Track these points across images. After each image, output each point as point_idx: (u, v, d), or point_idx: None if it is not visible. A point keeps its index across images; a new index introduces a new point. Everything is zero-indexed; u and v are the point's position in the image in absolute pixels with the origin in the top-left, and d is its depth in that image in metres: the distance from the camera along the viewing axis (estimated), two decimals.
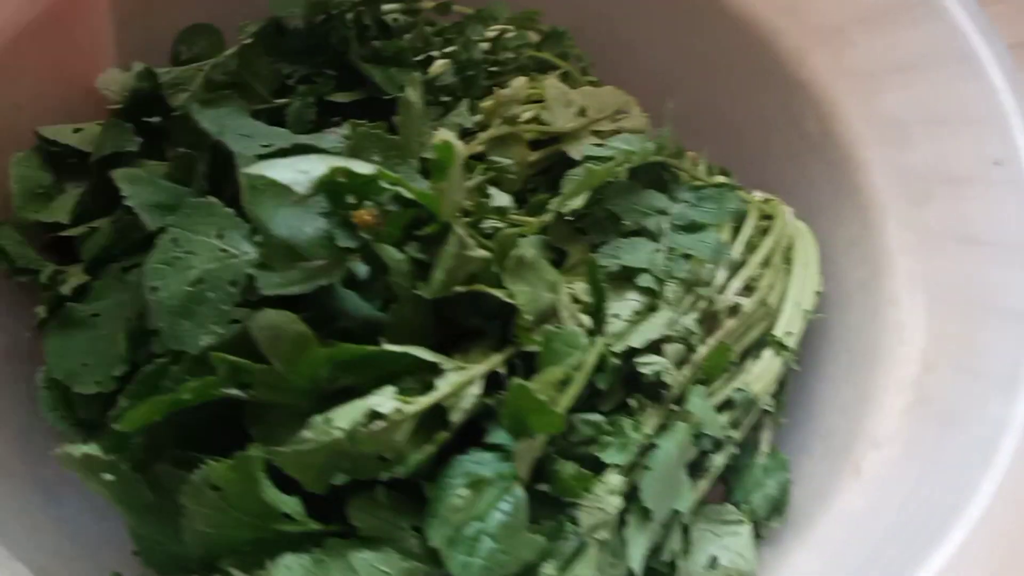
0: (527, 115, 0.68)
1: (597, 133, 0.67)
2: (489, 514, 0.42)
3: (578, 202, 0.57)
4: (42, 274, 0.65)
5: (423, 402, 0.42)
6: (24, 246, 0.66)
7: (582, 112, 0.68)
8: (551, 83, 0.69)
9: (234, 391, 0.42)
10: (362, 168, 0.40)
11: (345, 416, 0.40)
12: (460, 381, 0.44)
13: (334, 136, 0.56)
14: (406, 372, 0.44)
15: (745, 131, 0.75)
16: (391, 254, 0.43)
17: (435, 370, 0.44)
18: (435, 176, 0.43)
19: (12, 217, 0.65)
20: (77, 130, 0.68)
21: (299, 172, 0.37)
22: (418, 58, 0.69)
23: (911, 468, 0.57)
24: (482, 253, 0.46)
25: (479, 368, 0.45)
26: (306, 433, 0.40)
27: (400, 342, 0.44)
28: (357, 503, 0.44)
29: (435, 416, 0.44)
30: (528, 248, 0.50)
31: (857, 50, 0.68)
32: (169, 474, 0.45)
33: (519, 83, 0.68)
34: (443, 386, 0.44)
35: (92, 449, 0.44)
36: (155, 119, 0.67)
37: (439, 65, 0.70)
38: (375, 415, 0.40)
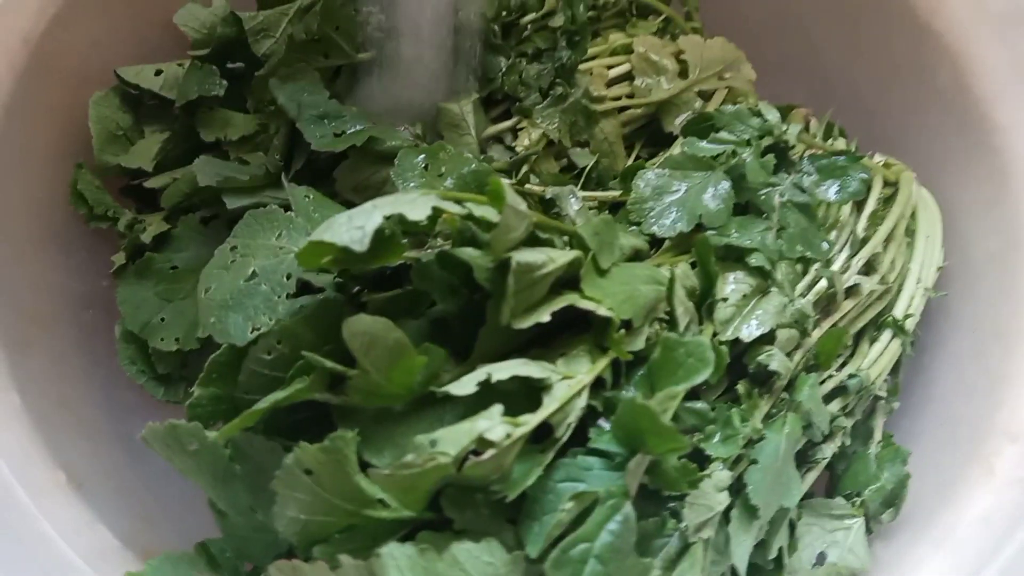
0: (619, 69, 0.64)
1: (701, 94, 0.62)
2: (597, 535, 0.39)
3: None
4: (120, 221, 0.63)
5: (532, 422, 0.39)
6: (102, 192, 0.64)
7: (683, 70, 0.62)
8: (642, 41, 0.63)
9: (327, 396, 0.40)
10: (415, 214, 0.37)
11: (452, 441, 0.37)
12: (567, 395, 0.41)
13: (405, 132, 0.58)
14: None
15: (863, 84, 0.69)
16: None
17: (541, 384, 0.41)
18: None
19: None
20: (158, 72, 0.65)
21: (355, 229, 0.36)
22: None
23: None
24: (559, 263, 0.42)
25: (585, 379, 0.42)
26: (409, 457, 0.37)
27: (496, 345, 0.41)
28: (451, 496, 0.41)
29: (540, 428, 0.41)
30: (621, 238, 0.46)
31: None
32: (251, 443, 0.43)
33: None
34: (550, 402, 0.40)
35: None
36: (238, 65, 0.64)
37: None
38: (484, 442, 0.37)
